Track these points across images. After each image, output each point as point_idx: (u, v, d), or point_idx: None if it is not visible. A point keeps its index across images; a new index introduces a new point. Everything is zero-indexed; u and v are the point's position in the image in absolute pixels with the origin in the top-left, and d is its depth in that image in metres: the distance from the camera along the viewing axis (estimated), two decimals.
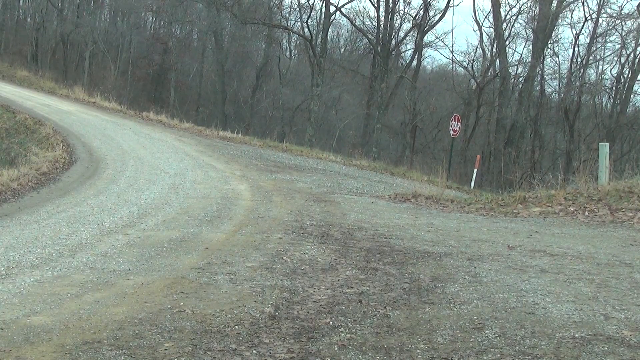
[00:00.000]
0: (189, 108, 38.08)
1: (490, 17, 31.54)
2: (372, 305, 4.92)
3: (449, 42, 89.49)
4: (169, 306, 4.85)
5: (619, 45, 30.01)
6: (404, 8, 35.54)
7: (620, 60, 30.23)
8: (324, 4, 31.28)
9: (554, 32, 30.59)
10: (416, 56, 34.60)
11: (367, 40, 37.36)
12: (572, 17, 56.30)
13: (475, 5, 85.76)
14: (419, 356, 3.92)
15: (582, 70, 30.67)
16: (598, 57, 31.68)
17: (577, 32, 40.76)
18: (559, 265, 6.10)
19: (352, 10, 64.39)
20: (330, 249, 6.97)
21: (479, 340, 4.13)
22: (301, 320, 4.58)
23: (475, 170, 20.43)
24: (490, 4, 34.82)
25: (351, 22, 36.22)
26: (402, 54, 39.08)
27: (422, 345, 4.07)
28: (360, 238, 7.67)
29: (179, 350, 4.00)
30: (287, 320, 4.58)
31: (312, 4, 33.62)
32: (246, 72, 39.71)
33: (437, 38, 65.61)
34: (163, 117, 24.01)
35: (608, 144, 11.56)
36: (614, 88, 30.54)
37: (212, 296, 5.13)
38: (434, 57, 78.77)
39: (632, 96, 30.57)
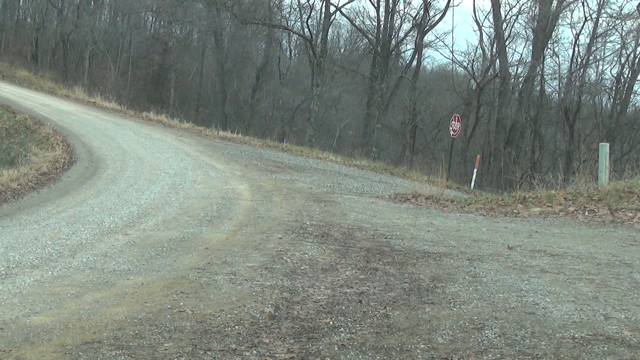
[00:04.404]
0: (189, 108, 38.07)
1: (490, 17, 31.59)
2: (372, 305, 4.92)
3: (449, 42, 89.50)
4: (169, 306, 4.85)
5: (619, 45, 30.08)
6: (404, 8, 35.54)
7: (620, 60, 30.29)
8: (324, 4, 31.30)
9: (554, 32, 30.64)
10: (416, 56, 34.65)
11: (367, 40, 37.38)
12: (572, 17, 56.22)
13: (475, 5, 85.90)
14: (419, 356, 3.92)
15: (582, 70, 30.69)
16: (598, 57, 31.73)
17: (577, 32, 40.81)
18: (559, 265, 6.10)
19: (352, 10, 64.37)
20: (330, 249, 6.97)
21: (479, 340, 4.13)
22: (301, 320, 4.58)
23: (475, 170, 20.43)
24: (490, 4, 34.79)
25: (351, 22, 36.24)
26: (402, 54, 39.18)
27: (422, 345, 4.07)
28: (360, 238, 7.67)
29: (179, 350, 4.00)
30: (287, 320, 4.58)
31: (312, 4, 33.57)
32: (246, 72, 39.70)
33: (437, 38, 65.75)
34: (163, 117, 24.01)
35: (608, 144, 11.57)
36: (614, 88, 30.55)
37: (212, 296, 5.13)
38: (434, 57, 78.70)
39: (632, 96, 30.63)
